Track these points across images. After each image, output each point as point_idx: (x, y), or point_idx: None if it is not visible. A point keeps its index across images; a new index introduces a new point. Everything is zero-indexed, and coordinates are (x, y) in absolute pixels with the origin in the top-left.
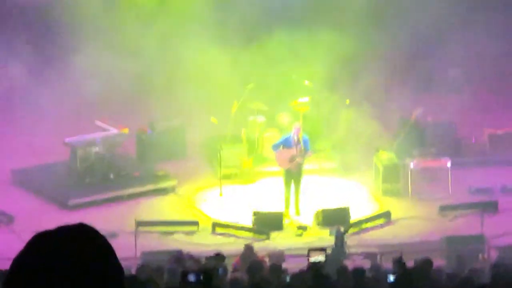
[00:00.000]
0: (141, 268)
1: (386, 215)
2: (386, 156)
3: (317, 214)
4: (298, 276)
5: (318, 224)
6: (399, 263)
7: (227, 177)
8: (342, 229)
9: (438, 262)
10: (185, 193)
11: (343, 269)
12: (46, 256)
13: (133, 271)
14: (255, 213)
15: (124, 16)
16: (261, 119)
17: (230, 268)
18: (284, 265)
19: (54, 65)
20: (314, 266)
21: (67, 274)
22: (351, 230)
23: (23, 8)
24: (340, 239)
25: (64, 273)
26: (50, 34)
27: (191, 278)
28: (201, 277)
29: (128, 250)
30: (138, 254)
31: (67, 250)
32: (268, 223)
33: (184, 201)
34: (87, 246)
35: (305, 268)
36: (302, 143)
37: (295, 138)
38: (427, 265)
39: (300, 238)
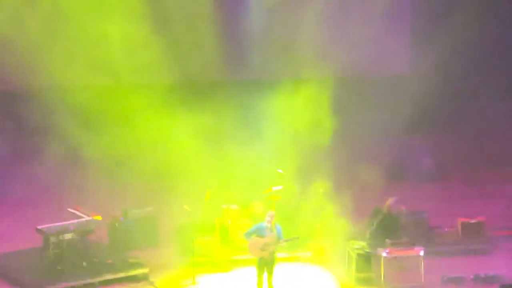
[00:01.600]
0: None
1: None
2: (358, 245)
3: None
4: None
5: None
6: None
7: (200, 265)
8: None
9: None
10: (157, 281)
11: None
12: None
13: None
14: None
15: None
16: (234, 207)
17: None
18: None
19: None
20: None
21: None
22: None
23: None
24: None
25: None
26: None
27: None
28: None
29: None
30: None
31: None
32: None
33: None
34: None
35: None
36: (275, 232)
37: (268, 226)
38: None
39: None
